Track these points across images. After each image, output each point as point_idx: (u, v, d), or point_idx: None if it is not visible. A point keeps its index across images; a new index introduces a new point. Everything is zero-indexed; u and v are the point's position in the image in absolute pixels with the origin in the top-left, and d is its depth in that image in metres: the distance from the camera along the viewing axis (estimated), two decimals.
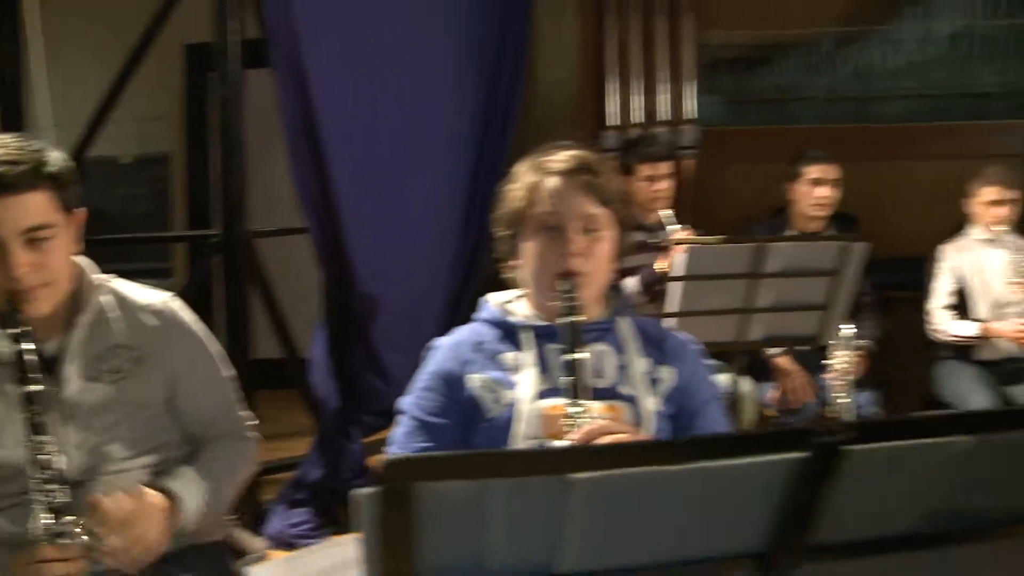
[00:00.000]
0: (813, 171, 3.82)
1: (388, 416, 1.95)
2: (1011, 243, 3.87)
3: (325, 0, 3.61)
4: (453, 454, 1.32)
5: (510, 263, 1.89)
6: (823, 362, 3.27)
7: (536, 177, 1.83)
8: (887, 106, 4.87)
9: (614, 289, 1.92)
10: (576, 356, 1.70)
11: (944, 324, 3.92)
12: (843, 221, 4.12)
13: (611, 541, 0.96)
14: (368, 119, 3.77)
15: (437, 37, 3.98)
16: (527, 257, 1.84)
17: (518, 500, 0.90)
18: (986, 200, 3.90)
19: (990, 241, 3.91)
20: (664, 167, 3.81)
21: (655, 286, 3.36)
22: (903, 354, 3.99)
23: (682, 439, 1.54)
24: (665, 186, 3.79)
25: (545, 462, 0.91)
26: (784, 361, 3.69)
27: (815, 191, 3.82)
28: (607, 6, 4.65)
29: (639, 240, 3.63)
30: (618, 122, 4.55)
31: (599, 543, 0.95)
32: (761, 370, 3.71)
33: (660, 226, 3.62)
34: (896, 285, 4.21)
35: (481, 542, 0.93)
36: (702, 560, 1.00)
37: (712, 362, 3.17)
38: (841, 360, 3.17)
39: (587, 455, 0.98)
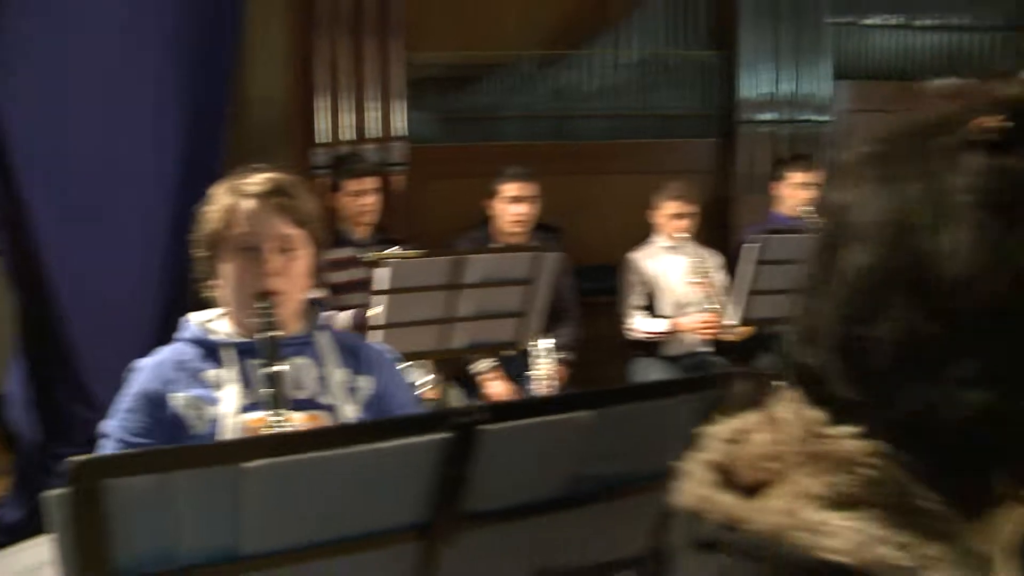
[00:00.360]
0: (510, 189, 4.17)
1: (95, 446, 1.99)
2: (691, 250, 4.40)
3: (13, 6, 3.49)
4: (136, 451, 1.43)
5: (210, 283, 2.01)
6: (527, 373, 3.59)
7: (232, 199, 1.96)
8: (583, 125, 5.37)
9: (313, 305, 2.08)
10: (275, 369, 1.85)
11: (637, 323, 4.40)
12: (547, 231, 4.51)
13: (288, 522, 1.13)
14: (65, 135, 3.68)
15: (140, 51, 3.94)
16: (226, 277, 1.96)
17: (199, 490, 1.05)
18: (669, 213, 4.42)
19: (673, 248, 4.43)
20: (369, 182, 4.02)
21: (366, 327, 3.51)
22: (604, 354, 4.43)
23: (339, 426, 1.73)
24: (371, 201, 4.00)
25: (220, 453, 1.07)
26: (491, 378, 3.98)
27: (512, 208, 4.16)
28: (316, 24, 4.79)
29: (348, 256, 3.81)
30: (328, 139, 4.71)
31: (277, 525, 1.12)
32: (471, 378, 4.00)
33: (369, 241, 3.82)
34: (596, 291, 4.67)
35: (171, 532, 1.08)
36: (373, 533, 1.19)
37: (421, 371, 3.41)
38: (543, 368, 3.51)
39: (256, 445, 1.15)
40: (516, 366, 3.89)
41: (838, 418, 0.69)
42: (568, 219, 4.88)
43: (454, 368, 3.88)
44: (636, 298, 4.43)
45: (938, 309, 0.64)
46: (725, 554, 0.68)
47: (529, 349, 3.48)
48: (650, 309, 4.43)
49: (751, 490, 0.71)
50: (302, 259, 1.98)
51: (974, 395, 0.64)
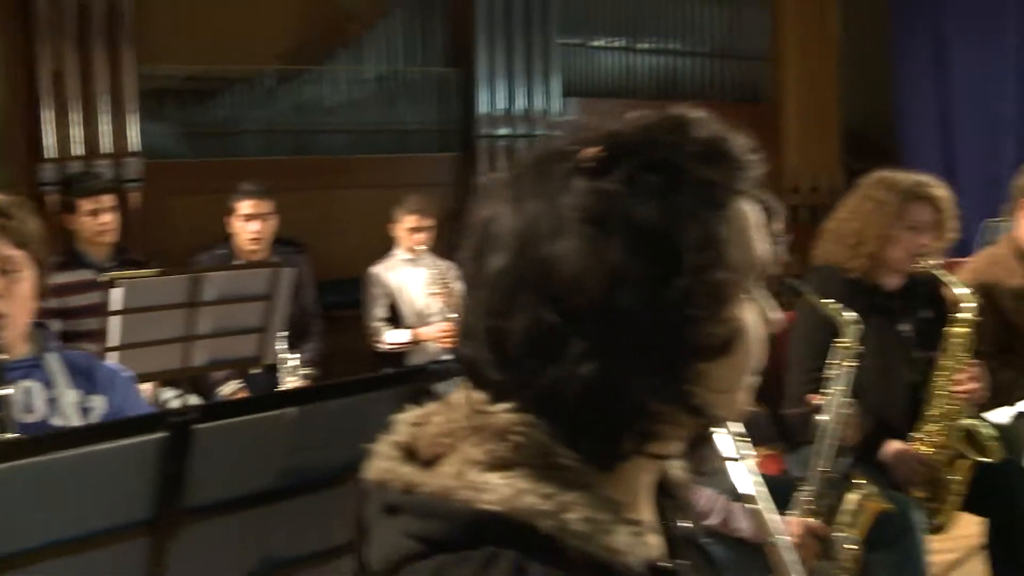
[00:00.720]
0: (244, 206, 4.28)
1: None
2: (430, 261, 4.68)
3: None
4: None
5: None
6: (275, 390, 3.70)
7: None
8: (325, 139, 5.55)
9: (39, 327, 2.14)
10: (0, 393, 1.91)
11: (381, 335, 4.63)
12: (290, 247, 4.65)
13: (18, 526, 1.26)
14: None
15: None
16: None
17: None
18: (408, 226, 4.68)
19: (413, 261, 4.69)
20: (106, 200, 4.01)
21: None
22: (351, 367, 4.60)
23: (60, 431, 1.85)
24: (109, 220, 4.00)
25: None
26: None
27: (248, 226, 4.28)
28: (37, 32, 4.63)
29: (87, 278, 3.80)
30: (56, 155, 4.61)
31: (7, 529, 1.25)
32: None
33: (109, 262, 3.83)
34: (340, 304, 4.87)
35: None
36: (101, 532, 1.34)
37: (166, 388, 3.48)
38: (289, 384, 3.65)
39: None
40: (263, 384, 3.99)
41: (495, 397, 0.86)
42: (310, 234, 5.04)
43: (199, 389, 3.93)
44: (380, 310, 4.66)
45: (556, 302, 0.83)
46: (405, 515, 0.84)
47: (276, 366, 3.59)
48: (393, 320, 4.67)
49: (429, 462, 0.87)
50: (26, 280, 2.02)
51: (585, 369, 0.82)
